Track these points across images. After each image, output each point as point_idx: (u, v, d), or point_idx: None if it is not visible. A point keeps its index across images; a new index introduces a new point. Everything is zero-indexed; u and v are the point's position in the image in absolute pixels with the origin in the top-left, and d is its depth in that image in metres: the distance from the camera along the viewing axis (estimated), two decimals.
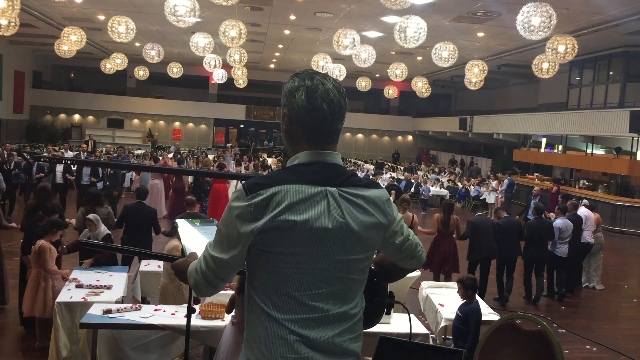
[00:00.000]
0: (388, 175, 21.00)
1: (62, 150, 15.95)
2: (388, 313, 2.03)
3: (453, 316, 5.38)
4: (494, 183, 18.36)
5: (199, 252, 2.21)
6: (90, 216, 6.13)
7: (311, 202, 1.60)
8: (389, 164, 26.33)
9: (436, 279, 7.67)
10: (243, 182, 1.67)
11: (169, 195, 12.72)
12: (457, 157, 28.86)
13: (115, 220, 7.34)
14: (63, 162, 12.04)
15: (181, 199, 11.18)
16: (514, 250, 8.06)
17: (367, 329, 1.89)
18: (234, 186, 11.73)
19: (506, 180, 19.37)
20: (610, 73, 18.49)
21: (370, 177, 19.73)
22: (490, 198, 17.67)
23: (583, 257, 9.14)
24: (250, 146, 29.35)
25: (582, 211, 9.07)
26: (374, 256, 2.08)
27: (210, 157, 20.80)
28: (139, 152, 22.61)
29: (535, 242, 8.18)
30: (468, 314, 4.89)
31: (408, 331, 2.31)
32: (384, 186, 12.75)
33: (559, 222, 8.45)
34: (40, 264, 5.42)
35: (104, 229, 6.13)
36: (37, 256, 5.43)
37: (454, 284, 6.57)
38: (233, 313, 4.34)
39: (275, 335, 1.60)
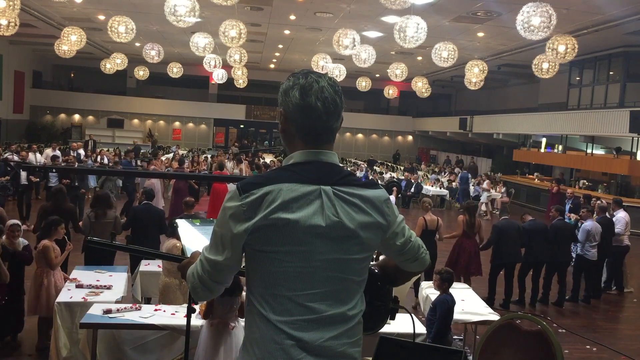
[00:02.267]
0: (388, 175, 21.03)
1: (49, 150, 15.77)
2: (393, 318, 2.01)
3: (453, 316, 5.39)
4: (485, 183, 18.44)
5: None
6: (14, 222, 5.80)
7: (304, 201, 1.59)
8: (388, 163, 26.37)
9: (466, 281, 7.65)
10: (237, 182, 1.67)
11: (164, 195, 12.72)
12: (452, 156, 28.85)
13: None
14: (52, 170, 11.82)
15: (182, 199, 11.18)
16: (541, 253, 8.00)
17: (369, 334, 1.87)
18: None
19: (461, 174, 20.04)
20: (610, 73, 18.48)
21: (368, 174, 19.79)
22: (482, 197, 17.74)
23: (622, 259, 9.08)
24: (250, 147, 29.09)
25: (621, 215, 8.99)
26: (378, 259, 2.07)
27: (209, 156, 20.83)
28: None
29: (557, 245, 8.10)
30: (436, 304, 5.01)
31: (408, 331, 2.30)
32: (384, 182, 12.60)
33: (589, 224, 8.33)
34: (47, 262, 5.46)
35: (21, 241, 5.71)
36: (42, 256, 5.46)
37: (455, 284, 6.57)
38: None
39: (270, 338, 1.59)
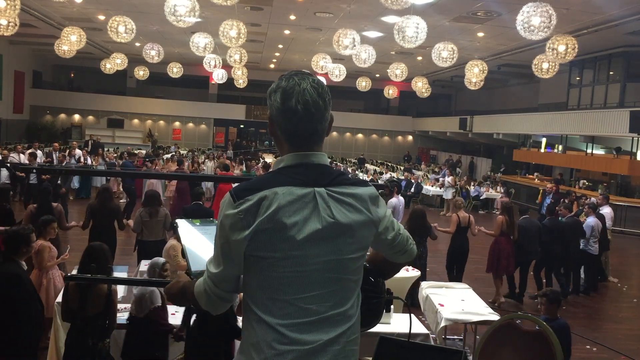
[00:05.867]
0: (388, 175, 21.05)
1: (31, 150, 15.75)
2: (388, 310, 2.02)
3: (453, 316, 5.37)
4: (449, 179, 18.40)
5: (199, 253, 2.20)
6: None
7: (300, 204, 1.59)
8: (388, 163, 26.36)
9: (498, 279, 7.96)
10: (230, 189, 1.65)
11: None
12: (455, 156, 28.85)
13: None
14: (55, 172, 11.80)
15: (184, 199, 11.18)
16: (557, 250, 8.34)
17: (367, 330, 1.88)
18: None
19: (442, 172, 21.08)
20: (610, 73, 18.48)
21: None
22: (447, 194, 17.72)
23: (602, 253, 9.50)
24: (245, 148, 28.65)
25: (607, 210, 9.46)
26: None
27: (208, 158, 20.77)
28: (139, 152, 22.58)
29: (566, 241, 8.42)
30: (559, 333, 4.34)
31: (408, 331, 2.30)
32: (384, 182, 12.52)
33: (592, 220, 8.70)
34: (37, 262, 5.43)
35: None
36: (36, 256, 5.44)
37: (454, 284, 6.60)
38: None
39: (269, 342, 1.58)
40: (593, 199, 11.01)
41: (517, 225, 8.04)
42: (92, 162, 17.12)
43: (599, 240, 8.85)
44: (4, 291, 4.01)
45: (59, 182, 11.52)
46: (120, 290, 5.42)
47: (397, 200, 9.55)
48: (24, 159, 14.45)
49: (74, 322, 4.01)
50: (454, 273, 7.95)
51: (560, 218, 8.83)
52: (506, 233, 7.95)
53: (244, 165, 16.27)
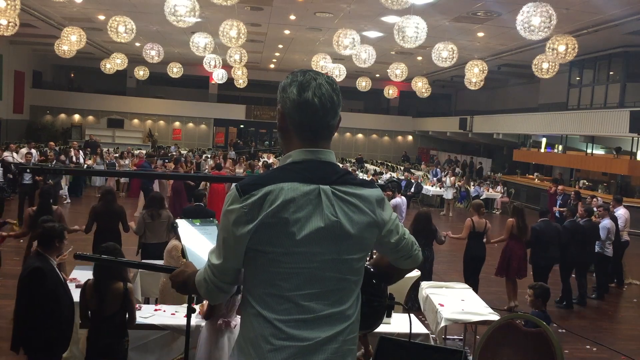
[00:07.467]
0: (388, 175, 21.07)
1: (24, 149, 15.68)
2: (389, 315, 2.02)
3: (453, 316, 5.37)
4: (450, 179, 18.35)
5: (199, 252, 2.20)
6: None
7: (304, 201, 1.59)
8: (388, 163, 26.38)
9: (514, 283, 7.74)
10: (236, 183, 1.66)
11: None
12: (453, 156, 28.85)
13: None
14: (58, 172, 11.77)
15: (180, 199, 11.19)
16: (578, 254, 8.20)
17: (367, 332, 1.87)
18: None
19: (433, 170, 21.62)
20: (610, 73, 18.48)
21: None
22: (448, 194, 17.67)
23: (622, 255, 9.43)
24: (243, 148, 28.50)
25: (621, 212, 9.37)
26: (372, 257, 2.06)
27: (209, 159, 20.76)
28: (138, 152, 22.59)
29: (585, 244, 8.28)
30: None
31: (408, 331, 2.30)
32: (384, 182, 12.51)
33: (607, 222, 8.61)
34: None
35: None
36: None
37: (455, 284, 6.59)
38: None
39: (266, 337, 1.59)
40: (600, 199, 10.84)
41: (529, 227, 7.75)
42: (88, 162, 17.07)
43: (616, 244, 8.78)
44: (25, 285, 4.09)
45: (49, 181, 11.51)
46: None
47: (401, 200, 9.54)
48: (17, 157, 14.42)
49: (92, 325, 4.08)
50: (469, 282, 7.43)
51: (576, 219, 8.64)
52: (517, 236, 7.65)
53: (248, 164, 16.31)
